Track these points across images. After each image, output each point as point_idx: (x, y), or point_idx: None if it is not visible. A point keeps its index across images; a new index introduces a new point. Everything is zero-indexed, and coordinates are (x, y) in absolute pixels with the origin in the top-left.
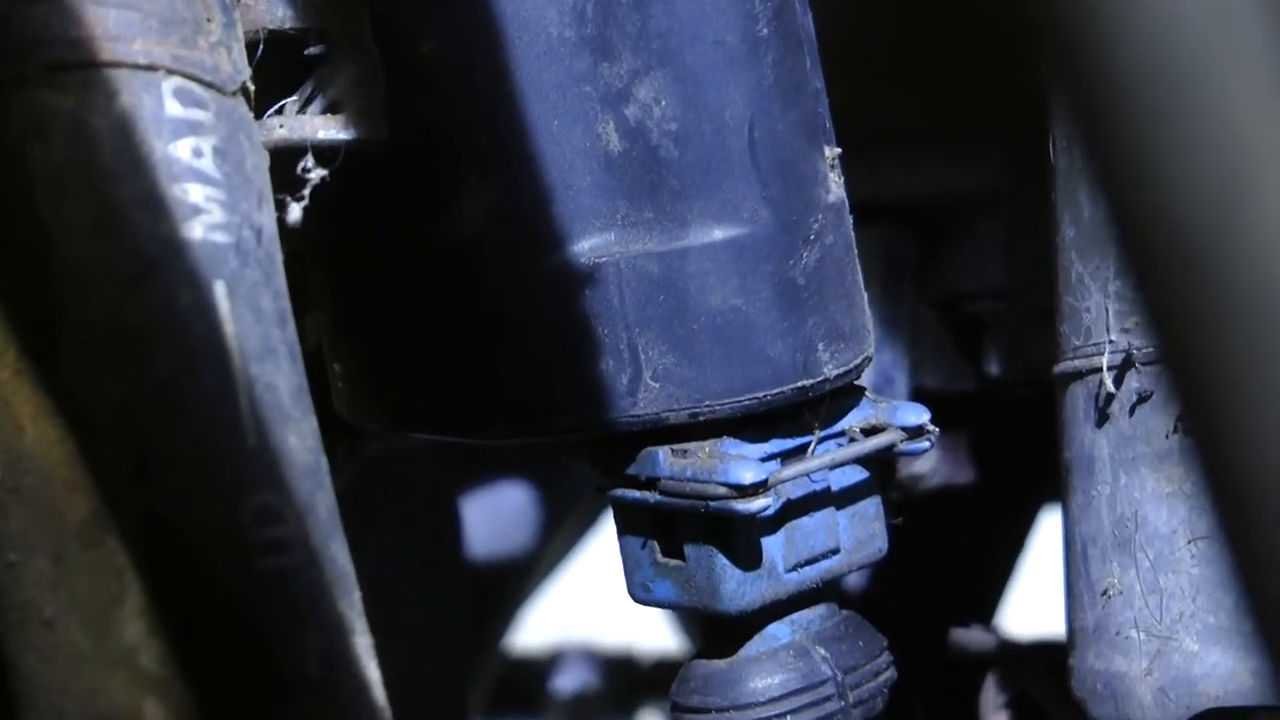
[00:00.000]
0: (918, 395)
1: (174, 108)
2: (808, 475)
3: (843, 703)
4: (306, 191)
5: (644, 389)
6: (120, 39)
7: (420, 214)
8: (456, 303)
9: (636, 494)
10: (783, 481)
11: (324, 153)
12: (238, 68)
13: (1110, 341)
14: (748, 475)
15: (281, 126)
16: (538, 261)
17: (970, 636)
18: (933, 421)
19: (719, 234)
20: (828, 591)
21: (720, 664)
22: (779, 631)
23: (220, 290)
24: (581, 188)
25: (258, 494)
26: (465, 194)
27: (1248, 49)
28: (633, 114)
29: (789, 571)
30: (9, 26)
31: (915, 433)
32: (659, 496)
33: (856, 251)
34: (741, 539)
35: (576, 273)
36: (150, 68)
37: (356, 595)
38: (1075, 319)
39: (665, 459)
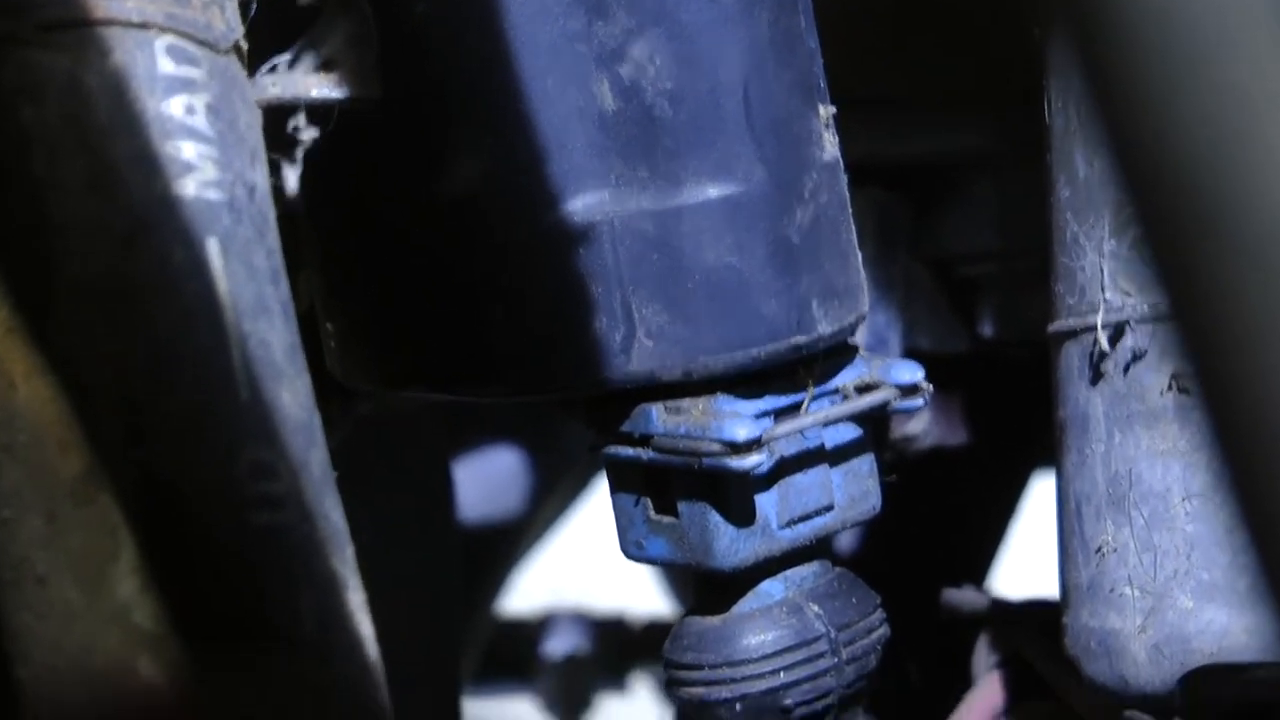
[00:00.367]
0: (911, 356)
1: (167, 65)
2: (801, 432)
3: (836, 659)
4: (299, 152)
5: (638, 347)
6: None
7: (414, 173)
8: (450, 262)
9: (630, 451)
10: (776, 438)
11: (317, 111)
12: (231, 26)
13: (1105, 300)
14: (741, 432)
15: (274, 85)
16: (532, 220)
17: (963, 596)
18: (926, 378)
19: (713, 192)
20: (821, 549)
21: (714, 621)
22: (772, 588)
23: (213, 247)
24: (576, 147)
25: (251, 450)
26: (459, 153)
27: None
28: (627, 73)
29: (782, 528)
30: None
31: (909, 390)
32: (652, 454)
33: (851, 211)
34: (735, 496)
35: (571, 232)
36: (143, 25)
37: (350, 552)
38: (1070, 278)
39: (659, 416)
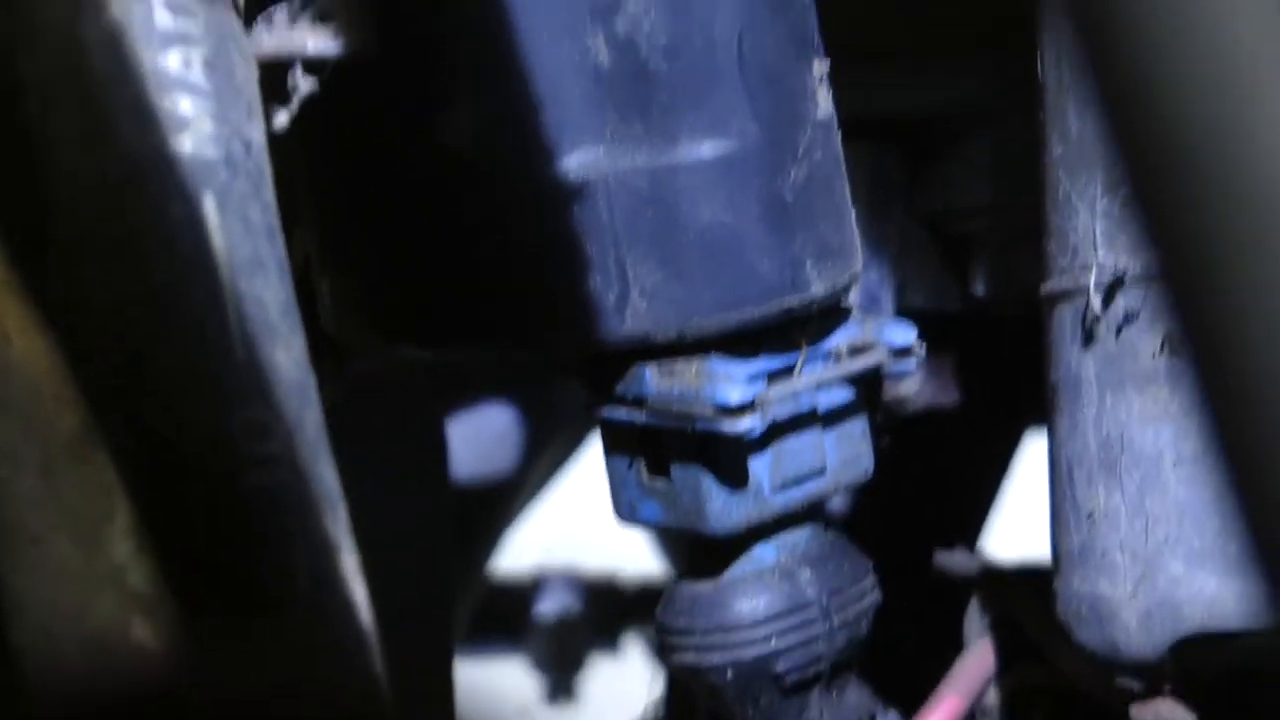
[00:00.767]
0: (904, 314)
1: (163, 18)
2: (794, 395)
3: (827, 625)
4: (295, 102)
5: (632, 307)
6: None
7: (408, 126)
8: (444, 217)
9: (624, 413)
10: (769, 401)
11: (313, 64)
12: None
13: (1097, 261)
14: (734, 395)
15: (271, 38)
16: (526, 176)
17: (954, 560)
18: (919, 341)
19: (708, 149)
20: (813, 513)
21: (706, 585)
22: (764, 553)
23: (209, 203)
24: (570, 101)
25: (246, 409)
26: (453, 107)
27: None
28: (622, 27)
29: (775, 492)
30: None
31: (902, 352)
32: (646, 416)
33: (845, 168)
34: (728, 459)
35: (565, 188)
36: None
37: (343, 513)
38: (1062, 238)
39: (653, 378)
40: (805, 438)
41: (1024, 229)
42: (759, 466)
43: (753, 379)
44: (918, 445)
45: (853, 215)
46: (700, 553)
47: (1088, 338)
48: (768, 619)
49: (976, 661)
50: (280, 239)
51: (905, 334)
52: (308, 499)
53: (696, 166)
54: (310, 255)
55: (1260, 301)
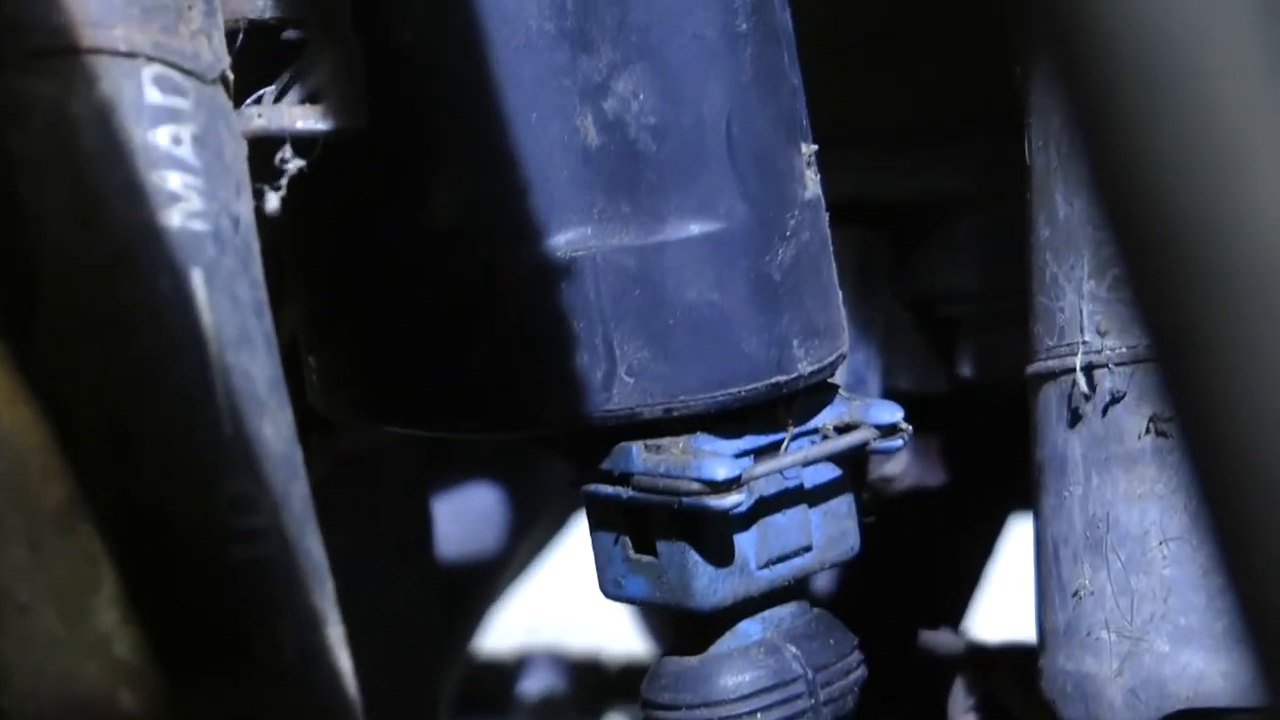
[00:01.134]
0: (890, 396)
1: (154, 95)
2: (781, 472)
3: (813, 701)
4: (284, 181)
5: (619, 384)
6: (101, 25)
7: (397, 204)
8: (431, 295)
9: (609, 489)
10: (756, 478)
11: (302, 142)
12: (218, 56)
13: (1084, 342)
14: (721, 471)
15: (260, 116)
16: (514, 254)
17: (939, 638)
18: (905, 419)
19: (695, 229)
20: (799, 589)
21: (691, 661)
22: (750, 629)
23: (198, 278)
24: (559, 181)
25: (233, 483)
26: (442, 185)
27: (1240, 33)
28: (611, 107)
29: (761, 568)
30: None
31: (889, 431)
32: (632, 492)
33: (832, 249)
34: (714, 535)
35: (553, 266)
36: (131, 54)
37: (330, 586)
38: (1049, 319)
39: (639, 454)
40: (791, 515)
41: (1009, 312)
42: (745, 543)
43: (739, 456)
44: (904, 523)
45: (840, 296)
46: (686, 628)
47: (1074, 418)
48: (753, 694)
49: None
50: (268, 314)
51: (891, 413)
52: (294, 572)
53: (684, 245)
54: (297, 331)
55: (1248, 381)
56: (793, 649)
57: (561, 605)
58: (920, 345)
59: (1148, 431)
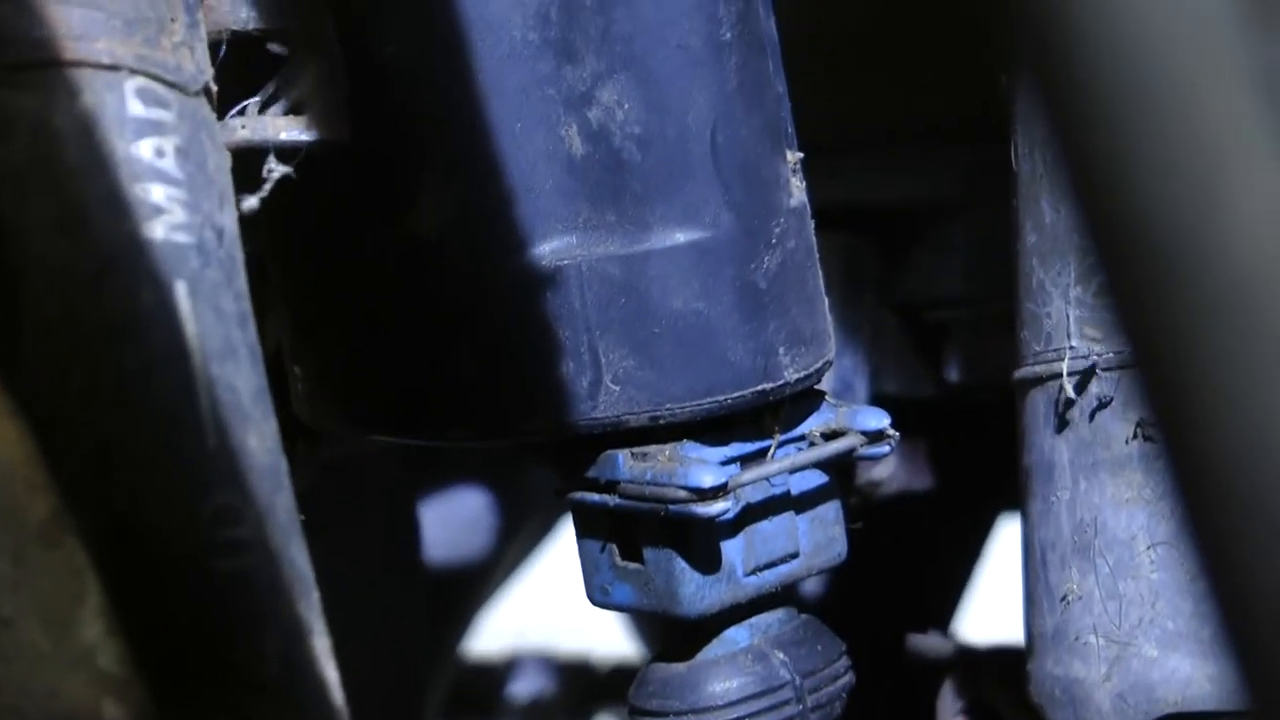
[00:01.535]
0: (877, 401)
1: (136, 108)
2: (767, 479)
3: (800, 707)
4: (267, 187)
5: (604, 392)
6: (83, 38)
7: (381, 215)
8: (416, 305)
9: (596, 497)
10: (742, 485)
11: (286, 153)
12: (200, 68)
13: (1071, 347)
14: (707, 479)
15: (244, 127)
16: (499, 263)
17: (928, 642)
18: (893, 425)
19: (681, 237)
20: (786, 595)
21: (679, 667)
22: (737, 635)
23: (181, 290)
24: (544, 190)
25: (218, 495)
26: (427, 195)
27: (1220, 45)
28: (596, 117)
29: (748, 575)
30: None
31: (875, 437)
32: (618, 499)
33: (818, 256)
34: (701, 542)
35: (538, 275)
36: (113, 67)
37: (315, 596)
38: (1036, 325)
39: (625, 462)
40: (778, 522)
41: (996, 317)
42: (732, 550)
43: (726, 463)
44: (892, 528)
45: (826, 303)
46: (673, 635)
47: (1061, 423)
48: (741, 701)
49: None
50: (252, 325)
51: (878, 419)
52: (279, 583)
53: (669, 254)
54: (282, 340)
55: (1233, 386)
56: (780, 655)
57: (550, 608)
58: (907, 350)
59: (1135, 436)
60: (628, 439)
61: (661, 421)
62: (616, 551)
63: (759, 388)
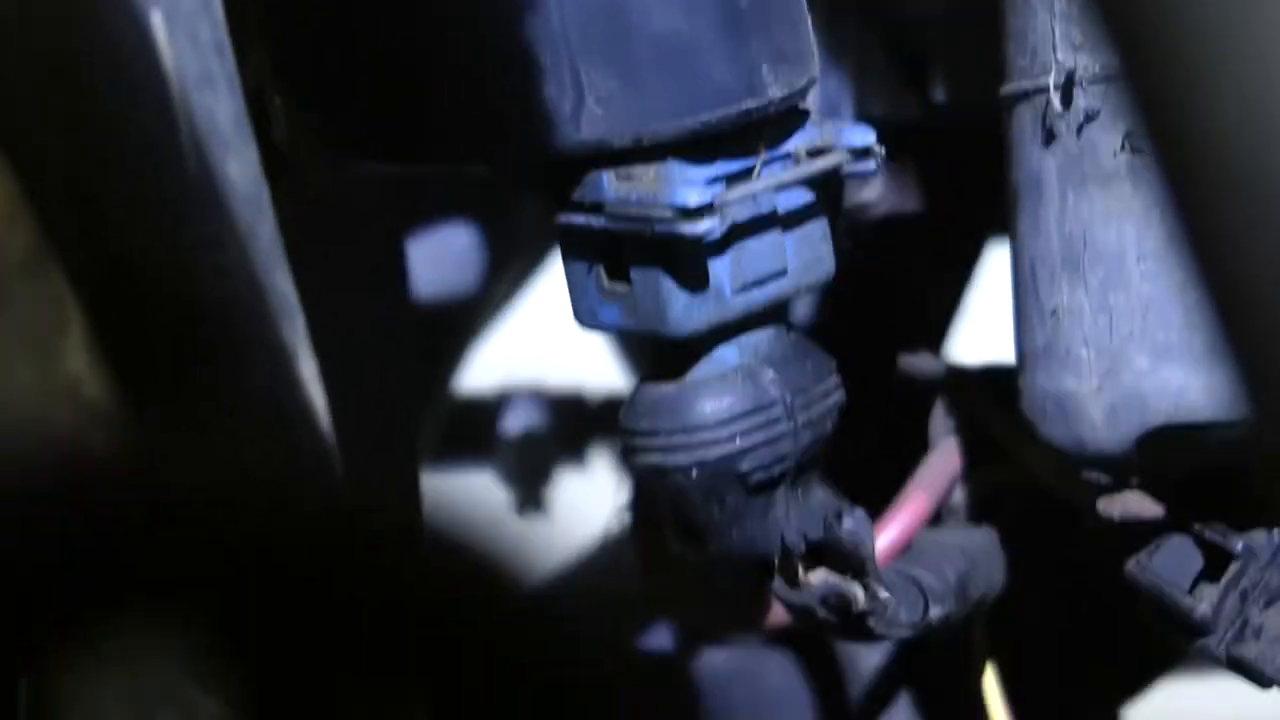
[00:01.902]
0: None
1: None
2: (754, 197)
3: (792, 424)
4: None
5: (587, 114)
6: None
7: None
8: (398, 26)
9: (582, 219)
10: (729, 203)
11: None
12: None
13: (1056, 60)
14: (693, 197)
15: None
16: None
17: (918, 362)
18: (878, 143)
19: None
20: (776, 314)
21: (668, 387)
22: (727, 354)
23: (157, 19)
24: None
25: (199, 220)
26: None
27: None
28: None
29: (736, 293)
30: None
31: (861, 153)
32: (604, 220)
33: None
34: (688, 261)
35: None
36: None
37: (300, 322)
38: (1020, 39)
39: (610, 183)
40: (765, 239)
41: (982, 34)
42: (719, 268)
43: (711, 182)
44: (881, 250)
45: (809, 21)
46: (662, 355)
47: (1048, 137)
48: (732, 419)
49: (942, 461)
50: (229, 53)
51: (864, 136)
52: (263, 307)
53: None
54: (263, 72)
55: (1221, 93)
56: (770, 373)
57: (540, 342)
58: (892, 71)
59: (1123, 149)
60: (613, 160)
61: (645, 142)
62: (603, 273)
63: (743, 105)
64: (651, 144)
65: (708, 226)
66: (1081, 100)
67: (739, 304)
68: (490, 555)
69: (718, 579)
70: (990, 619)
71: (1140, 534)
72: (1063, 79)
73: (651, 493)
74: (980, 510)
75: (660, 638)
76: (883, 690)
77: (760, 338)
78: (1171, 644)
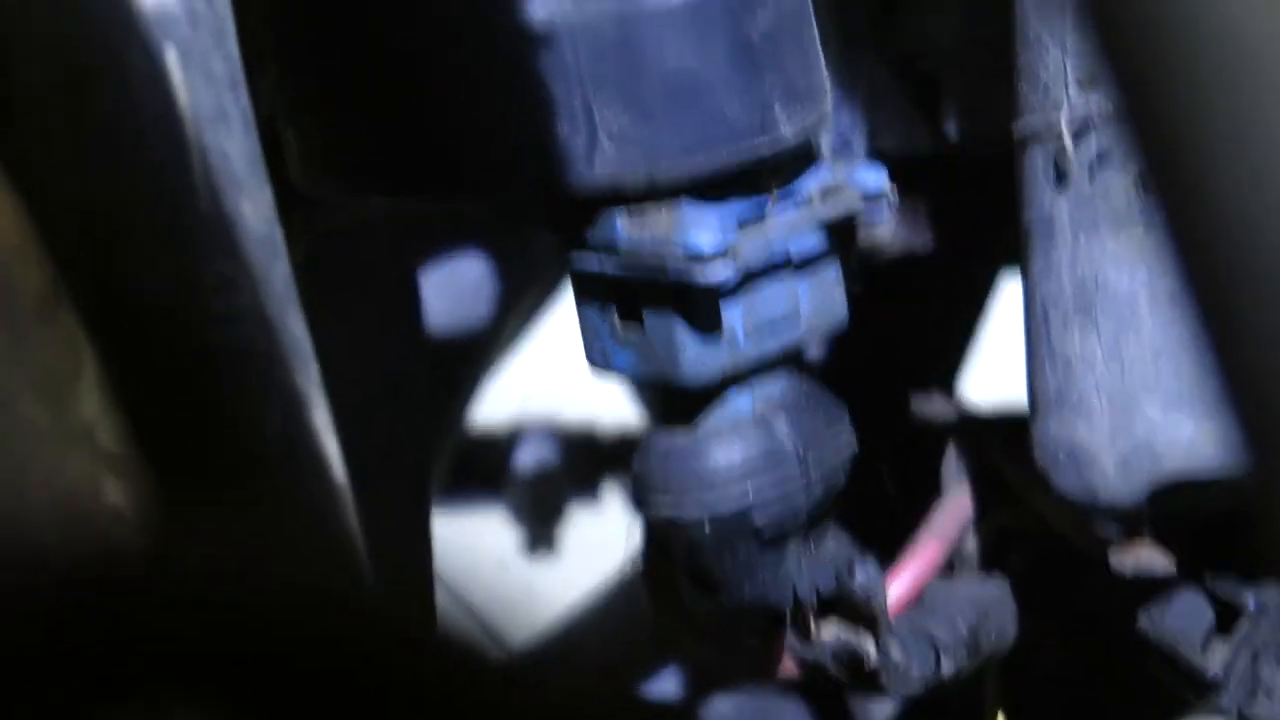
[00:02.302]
0: (876, 158)
1: None
2: (767, 241)
3: (805, 479)
4: None
5: (600, 152)
6: None
7: None
8: (410, 65)
9: (595, 261)
10: (742, 248)
11: None
12: None
13: (1069, 99)
14: (707, 241)
15: None
16: (493, 21)
17: (932, 405)
18: (891, 185)
19: None
20: (789, 361)
21: (681, 437)
22: (740, 401)
23: (171, 55)
24: None
25: (212, 263)
26: None
27: None
28: None
29: (749, 340)
30: None
31: (874, 196)
32: (618, 264)
33: (812, 10)
34: (701, 307)
35: (531, 33)
36: None
37: (314, 368)
38: (1033, 78)
39: (624, 225)
40: (779, 285)
41: (994, 69)
42: (732, 314)
43: (725, 226)
44: (893, 290)
45: (821, 59)
46: (675, 402)
47: (1060, 178)
48: (745, 473)
49: (954, 507)
50: (244, 92)
51: (877, 177)
52: (276, 353)
53: (662, 10)
54: (275, 107)
55: (1230, 139)
56: (783, 422)
57: (555, 376)
58: (905, 105)
59: (1135, 189)
60: (626, 200)
61: (658, 181)
62: (616, 316)
63: (755, 144)
64: (664, 183)
65: (722, 272)
66: (1094, 140)
67: (752, 350)
68: (500, 596)
69: (730, 627)
70: (1002, 668)
71: (1152, 584)
72: (1075, 118)
73: (664, 540)
74: (992, 557)
75: (671, 682)
76: None
77: (773, 385)
78: (1183, 698)
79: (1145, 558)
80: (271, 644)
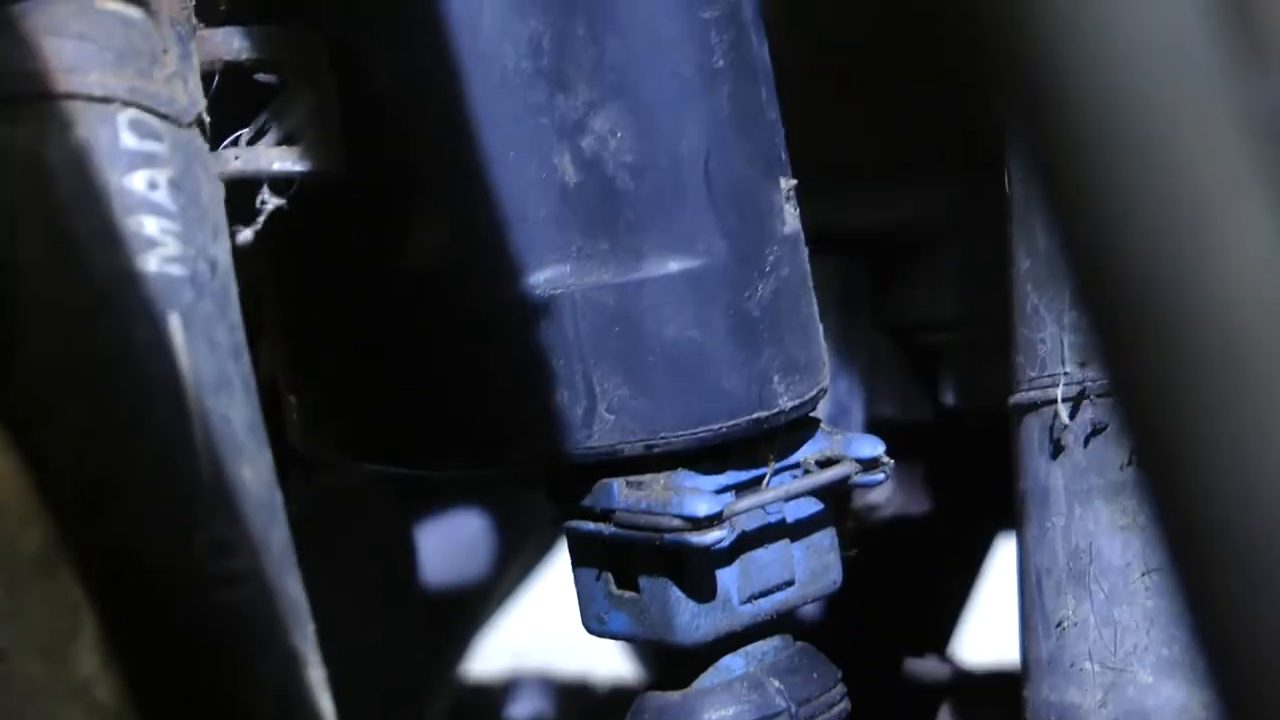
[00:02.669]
0: (873, 425)
1: (129, 140)
2: (762, 507)
3: None
4: (261, 219)
5: (599, 421)
6: (76, 70)
7: (375, 245)
8: (411, 334)
9: (591, 526)
10: (737, 514)
11: (279, 184)
12: (193, 99)
13: (1065, 373)
14: (702, 507)
15: (237, 159)
16: (493, 293)
17: (925, 667)
18: (888, 453)
19: (674, 266)
20: (782, 623)
21: (674, 696)
22: (733, 663)
23: (175, 323)
24: (537, 219)
25: (212, 527)
26: (421, 225)
27: (1206, 84)
28: (589, 146)
29: (743, 603)
30: None
31: (870, 465)
32: (613, 529)
33: (812, 282)
34: (696, 571)
35: (532, 304)
36: (106, 100)
37: (310, 628)
38: (1030, 350)
39: (620, 491)
40: (774, 550)
41: (990, 342)
42: (727, 578)
43: (720, 492)
44: (888, 553)
45: (820, 330)
46: (669, 664)
47: (1056, 449)
48: None
49: None
50: (246, 357)
51: (873, 447)
52: (273, 616)
53: (663, 283)
54: (277, 370)
55: (1216, 417)
56: (776, 683)
57: (549, 629)
58: (903, 374)
59: (1129, 463)
60: (623, 468)
61: (656, 450)
62: (612, 580)
63: (754, 416)
64: (662, 452)
65: (716, 537)
66: (1089, 413)
67: (746, 614)
68: None
69: None
70: None
71: None
72: (1070, 391)
73: None
74: None
75: None
76: None
77: (767, 647)
78: None
79: None
80: None
